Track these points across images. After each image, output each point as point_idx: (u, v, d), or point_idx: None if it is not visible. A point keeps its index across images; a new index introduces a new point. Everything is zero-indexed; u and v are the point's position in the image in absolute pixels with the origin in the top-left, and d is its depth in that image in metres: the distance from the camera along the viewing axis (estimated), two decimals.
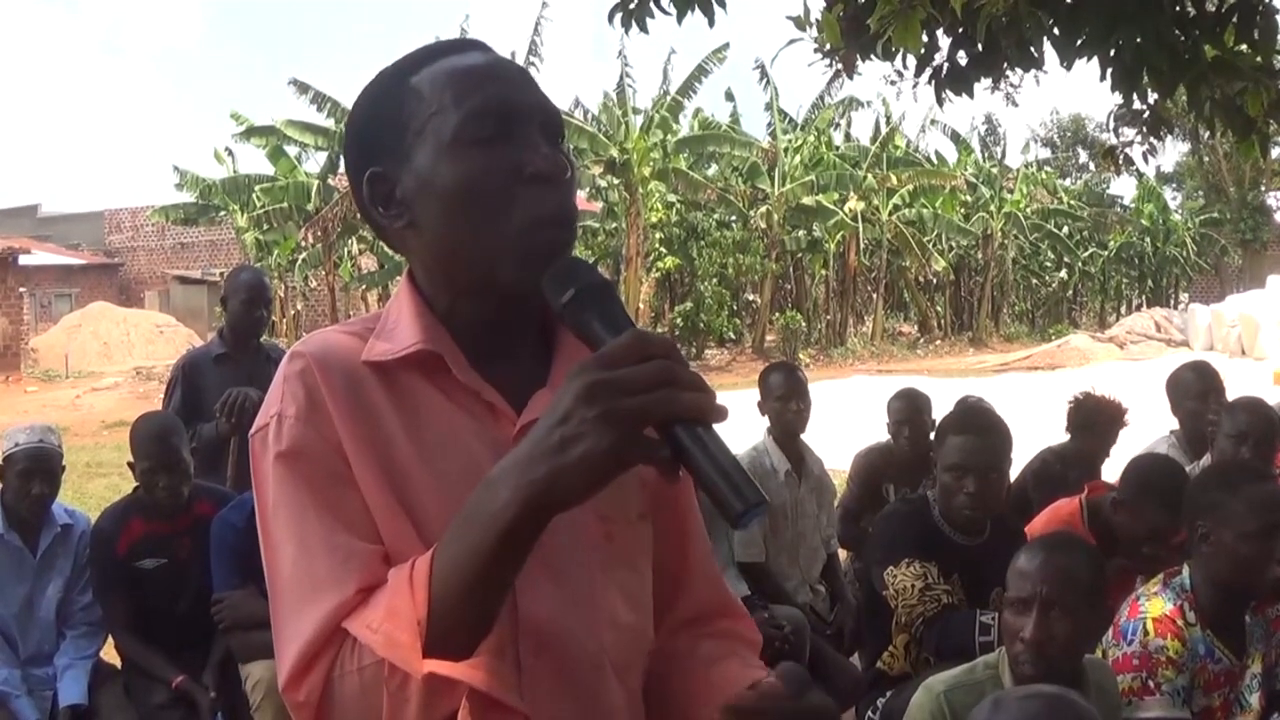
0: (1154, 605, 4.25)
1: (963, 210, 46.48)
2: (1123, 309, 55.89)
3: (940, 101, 7.06)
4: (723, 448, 1.58)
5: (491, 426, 1.90)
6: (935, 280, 49.10)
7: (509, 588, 1.69)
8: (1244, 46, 6.33)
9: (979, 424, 5.43)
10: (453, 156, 1.86)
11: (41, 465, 6.00)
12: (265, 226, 39.25)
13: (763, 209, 40.62)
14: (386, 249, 29.94)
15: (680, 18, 7.11)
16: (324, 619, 1.72)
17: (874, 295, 46.20)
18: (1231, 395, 6.70)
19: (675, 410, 1.56)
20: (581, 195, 39.73)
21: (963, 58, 6.81)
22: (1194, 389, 6.79)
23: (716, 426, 1.60)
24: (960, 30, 6.60)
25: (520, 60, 35.19)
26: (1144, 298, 56.44)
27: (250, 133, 38.94)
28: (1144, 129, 7.70)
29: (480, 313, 1.94)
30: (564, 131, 1.99)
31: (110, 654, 6.30)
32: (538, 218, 1.85)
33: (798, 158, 40.98)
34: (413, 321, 1.93)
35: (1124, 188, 68.96)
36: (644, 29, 7.15)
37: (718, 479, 1.56)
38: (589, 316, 1.71)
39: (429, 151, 1.88)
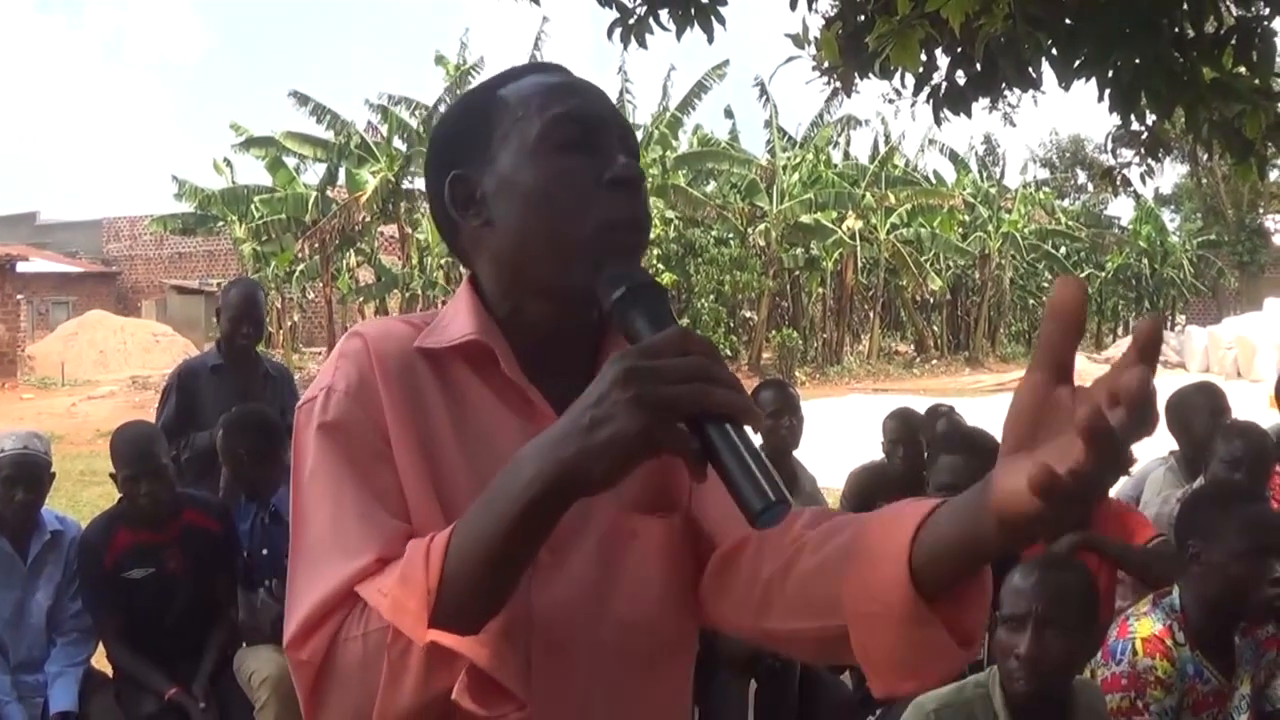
0: (1143, 625, 4.25)
1: (960, 230, 46.51)
2: (1119, 330, 55.96)
3: (938, 121, 7.08)
4: (752, 448, 1.58)
5: (531, 425, 1.89)
6: (932, 300, 49.16)
7: (525, 568, 1.69)
8: (1242, 69, 6.34)
9: (969, 444, 5.44)
10: (536, 158, 1.91)
11: (25, 472, 5.98)
12: (263, 237, 39.36)
13: (761, 227, 40.69)
14: (380, 263, 30.02)
15: (679, 34, 7.13)
16: (340, 581, 1.73)
17: (871, 314, 46.26)
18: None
19: (707, 404, 1.56)
20: None
21: (961, 77, 6.83)
22: (1204, 408, 6.73)
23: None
24: (959, 50, 6.61)
25: None
26: (1141, 319, 56.41)
27: (249, 143, 39.04)
28: (1142, 150, 7.70)
29: (542, 317, 1.97)
30: (639, 149, 2.05)
31: (101, 662, 6.29)
32: (613, 221, 1.89)
33: (796, 175, 41.05)
34: (469, 316, 1.97)
35: (1122, 209, 69.19)
36: (643, 45, 7.18)
37: (740, 476, 1.55)
38: (635, 313, 1.74)
39: (512, 153, 1.94)
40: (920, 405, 8.78)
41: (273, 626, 5.95)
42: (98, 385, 35.08)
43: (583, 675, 1.91)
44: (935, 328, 50.08)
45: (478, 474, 1.84)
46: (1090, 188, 65.85)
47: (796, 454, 7.08)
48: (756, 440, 6.75)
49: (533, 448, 1.64)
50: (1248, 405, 10.90)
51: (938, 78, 6.89)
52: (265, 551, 6.10)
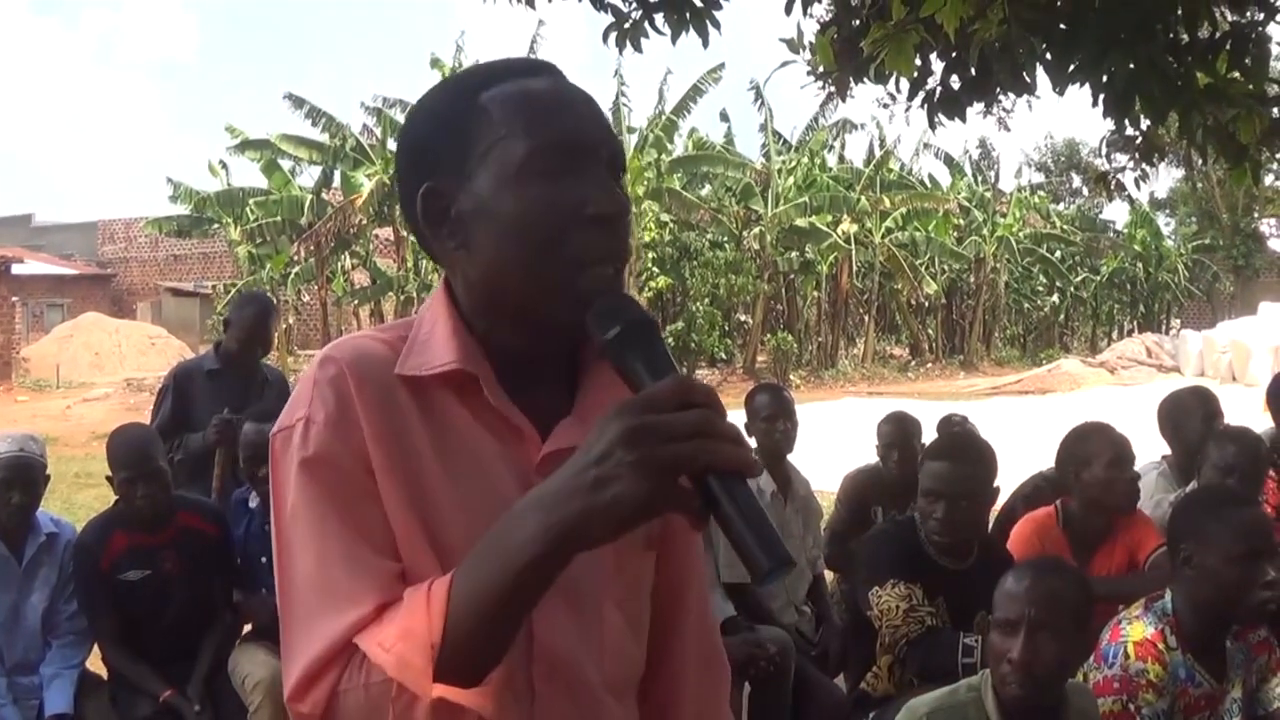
0: (1135, 629, 4.25)
1: (955, 234, 46.53)
2: (1114, 334, 55.90)
3: (933, 125, 7.08)
4: (753, 502, 1.58)
5: (516, 450, 1.89)
6: (927, 303, 49.13)
7: (525, 619, 1.69)
8: (1236, 74, 6.34)
9: (957, 451, 5.47)
10: (517, 187, 1.84)
11: (20, 475, 5.96)
12: (258, 240, 39.29)
13: (755, 230, 40.67)
14: (375, 266, 29.90)
15: (675, 38, 7.14)
16: (338, 633, 1.71)
17: (866, 317, 46.21)
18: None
19: (712, 461, 1.55)
20: None
21: (955, 82, 6.83)
22: (1198, 412, 6.73)
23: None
24: (953, 55, 6.62)
25: None
26: (1135, 323, 56.42)
27: (245, 146, 38.95)
28: (1136, 155, 7.72)
29: (517, 340, 1.92)
30: (625, 165, 1.99)
31: (96, 664, 6.29)
32: (591, 259, 1.84)
33: (791, 179, 41.06)
34: (449, 339, 1.92)
35: (1117, 213, 69.05)
36: (638, 49, 7.19)
37: (747, 534, 1.55)
38: (632, 356, 1.71)
39: (492, 177, 1.86)
40: (915, 409, 8.78)
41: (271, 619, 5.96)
42: (93, 387, 35.11)
43: (580, 705, 1.92)
44: (930, 331, 50.06)
45: (466, 504, 1.84)
46: (1085, 192, 65.73)
47: (790, 457, 7.08)
48: (751, 445, 6.76)
49: (532, 502, 1.62)
50: (1242, 409, 10.91)
51: (932, 82, 6.90)
52: (264, 559, 6.08)
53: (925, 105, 6.95)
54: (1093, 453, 5.74)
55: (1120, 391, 32.38)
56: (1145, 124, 7.17)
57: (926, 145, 48.37)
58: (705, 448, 1.55)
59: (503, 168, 1.85)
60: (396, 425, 1.86)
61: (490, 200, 1.86)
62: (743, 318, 44.18)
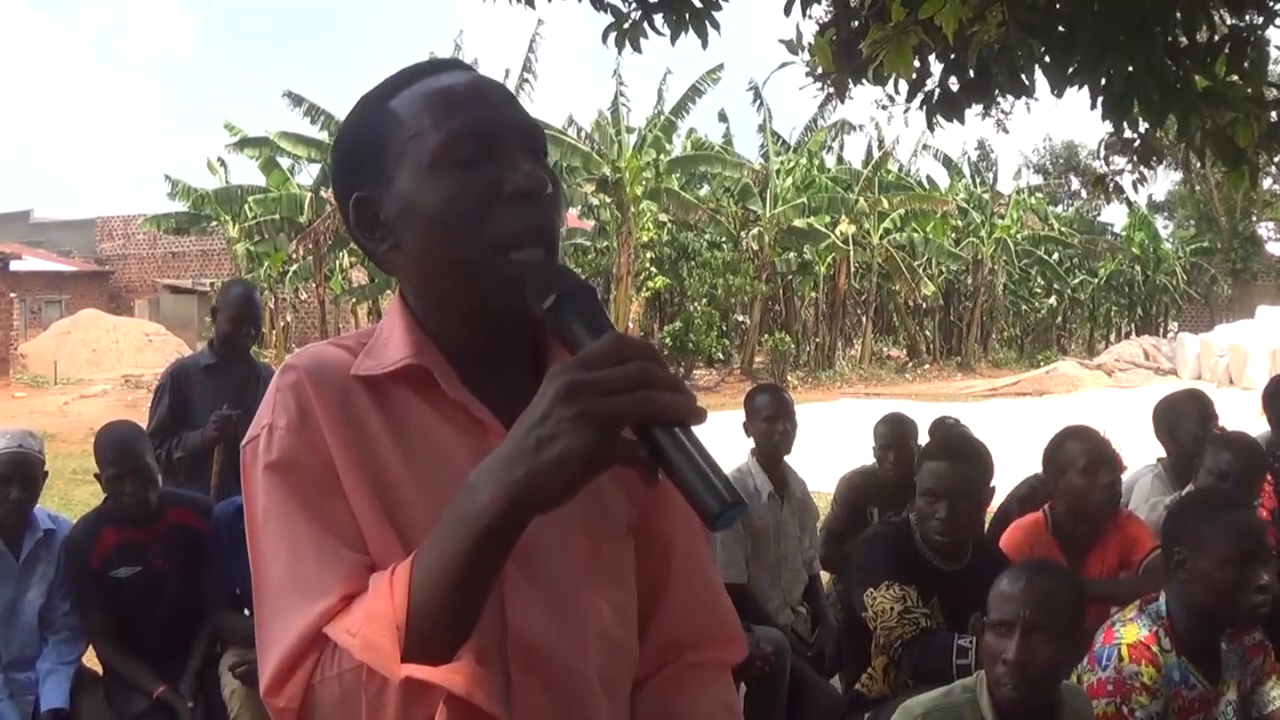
0: (1129, 631, 4.26)
1: (953, 235, 46.51)
2: (1112, 336, 55.94)
3: (931, 127, 7.07)
4: (701, 449, 1.58)
5: (479, 441, 1.89)
6: (925, 304, 49.15)
7: (488, 591, 1.69)
8: (1235, 77, 6.34)
9: (956, 451, 5.47)
10: (433, 178, 1.87)
11: (19, 470, 5.98)
12: (257, 238, 39.29)
13: (754, 230, 40.67)
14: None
15: (674, 39, 7.14)
16: (307, 625, 1.72)
17: (863, 318, 46.21)
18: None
19: (653, 411, 1.57)
20: (573, 213, 39.81)
21: (954, 84, 6.83)
22: (1193, 415, 6.74)
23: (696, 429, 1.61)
24: (952, 57, 6.62)
25: (514, 78, 35.28)
26: (1133, 326, 56.43)
27: (243, 144, 38.96)
28: (1135, 158, 7.71)
29: (470, 332, 1.94)
30: (545, 147, 2.00)
31: (92, 660, 6.29)
32: (516, 236, 1.86)
33: (789, 180, 41.03)
34: (403, 338, 1.94)
35: (1115, 215, 69.14)
36: (637, 49, 7.19)
37: (694, 480, 1.56)
38: (570, 319, 1.72)
39: (409, 174, 1.89)
40: (912, 410, 8.78)
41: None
42: (90, 384, 35.07)
43: (560, 693, 1.91)
44: (928, 332, 50.08)
45: (431, 496, 1.84)
46: (1083, 194, 65.70)
47: (787, 459, 7.07)
48: (749, 445, 6.76)
49: (483, 472, 1.64)
50: (1239, 413, 10.91)
51: (931, 84, 6.88)
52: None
53: (924, 107, 6.94)
54: (1069, 459, 5.73)
55: (1117, 394, 32.41)
56: (1144, 127, 7.18)
57: (925, 147, 48.54)
58: (645, 398, 1.56)
59: (418, 163, 1.89)
60: (357, 425, 1.89)
61: (412, 197, 1.89)
62: (740, 318, 44.17)
